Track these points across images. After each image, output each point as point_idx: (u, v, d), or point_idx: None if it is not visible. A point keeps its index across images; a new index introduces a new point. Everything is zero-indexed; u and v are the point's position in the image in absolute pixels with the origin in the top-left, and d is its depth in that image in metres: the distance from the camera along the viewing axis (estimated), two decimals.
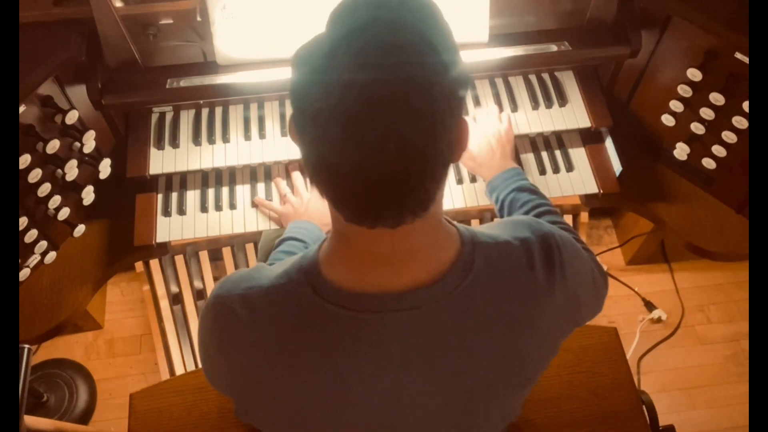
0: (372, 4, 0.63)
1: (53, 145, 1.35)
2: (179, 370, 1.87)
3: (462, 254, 0.75)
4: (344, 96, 0.59)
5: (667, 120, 1.56)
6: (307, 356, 0.74)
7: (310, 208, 1.42)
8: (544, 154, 1.63)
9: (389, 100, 0.59)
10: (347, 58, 0.60)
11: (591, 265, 0.93)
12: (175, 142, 1.55)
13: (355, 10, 0.63)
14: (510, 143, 1.43)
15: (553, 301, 0.80)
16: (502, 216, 1.25)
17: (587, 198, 1.63)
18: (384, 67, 0.59)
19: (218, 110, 1.60)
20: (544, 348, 0.85)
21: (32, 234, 1.42)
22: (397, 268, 0.72)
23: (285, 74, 1.47)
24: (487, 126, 1.45)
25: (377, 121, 0.59)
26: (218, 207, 1.55)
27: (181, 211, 1.54)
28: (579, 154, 1.64)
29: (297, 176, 1.53)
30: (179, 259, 1.92)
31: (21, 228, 1.38)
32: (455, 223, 0.79)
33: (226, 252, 1.93)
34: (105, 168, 1.52)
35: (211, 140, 1.55)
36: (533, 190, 1.23)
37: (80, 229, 1.52)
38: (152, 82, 1.48)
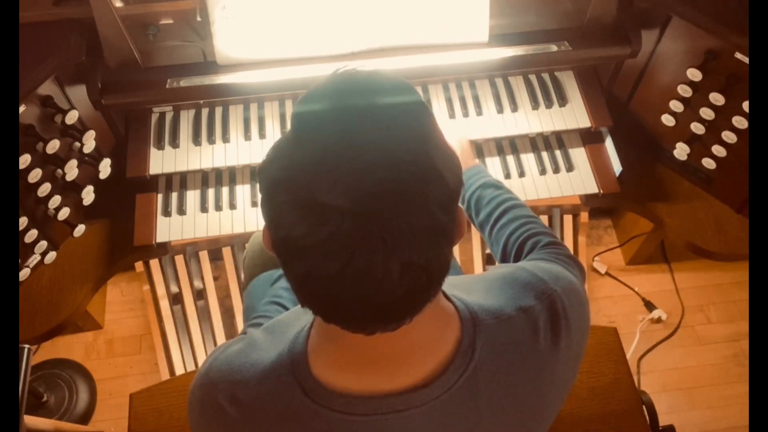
0: (345, 114, 0.58)
1: (53, 145, 1.35)
2: (179, 370, 1.87)
3: (462, 343, 0.70)
4: (340, 230, 0.54)
5: (667, 120, 1.56)
6: None
7: None
8: (544, 154, 1.63)
9: (388, 227, 0.55)
10: (333, 184, 0.55)
11: (586, 302, 0.86)
12: (175, 142, 1.55)
13: (324, 124, 0.58)
14: (469, 144, 1.39)
15: (557, 365, 0.77)
16: (470, 215, 1.21)
17: (587, 198, 1.63)
18: (375, 192, 0.55)
19: (218, 110, 1.60)
20: (553, 408, 0.83)
21: (32, 234, 1.42)
22: (395, 369, 0.68)
23: (285, 74, 1.47)
24: (446, 130, 1.41)
25: (379, 251, 0.55)
26: (218, 207, 1.55)
27: (181, 211, 1.54)
28: (579, 154, 1.64)
29: None
30: (179, 259, 1.92)
31: (21, 228, 1.37)
32: (451, 296, 0.74)
33: (226, 252, 1.93)
34: (105, 168, 1.51)
35: (211, 140, 1.55)
36: (497, 186, 1.19)
37: (80, 229, 1.52)
38: (152, 82, 1.48)
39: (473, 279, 0.82)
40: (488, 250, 0.97)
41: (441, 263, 0.61)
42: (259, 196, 0.62)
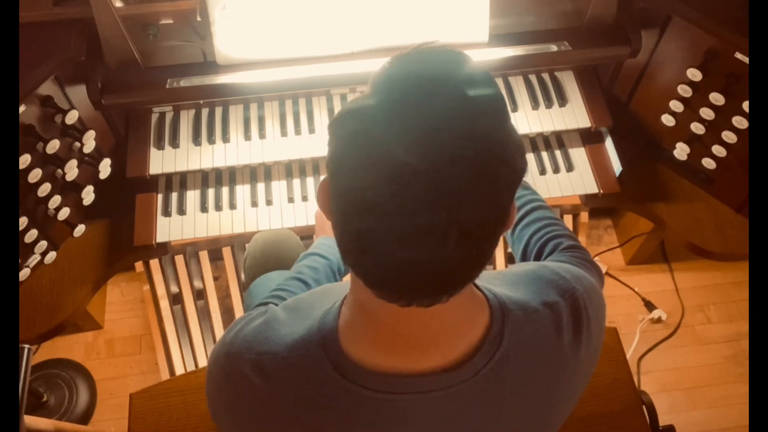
0: (429, 79, 0.59)
1: (53, 145, 1.35)
2: (179, 370, 1.87)
3: (491, 329, 0.71)
4: (408, 187, 0.54)
5: (667, 120, 1.56)
6: None
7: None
8: (544, 154, 1.63)
9: (457, 192, 0.55)
10: (409, 142, 0.55)
11: (604, 305, 0.88)
12: (175, 142, 1.55)
13: (411, 84, 0.59)
14: None
15: (578, 364, 0.79)
16: None
17: (587, 198, 1.63)
18: (452, 155, 0.55)
19: (218, 110, 1.60)
20: (568, 407, 0.84)
21: (32, 234, 1.42)
22: (425, 349, 0.69)
23: (285, 74, 1.47)
24: None
25: (443, 214, 0.55)
26: (218, 207, 1.55)
27: (181, 211, 1.54)
28: (579, 154, 1.64)
29: None
30: (179, 259, 1.92)
31: (21, 228, 1.37)
32: (482, 286, 0.75)
33: (226, 252, 1.93)
34: (105, 168, 1.51)
35: (211, 140, 1.55)
36: (525, 186, 1.18)
37: (80, 229, 1.52)
38: (152, 82, 1.48)
39: (496, 274, 0.83)
40: (510, 249, 0.97)
41: (491, 244, 0.61)
42: (327, 150, 0.62)
